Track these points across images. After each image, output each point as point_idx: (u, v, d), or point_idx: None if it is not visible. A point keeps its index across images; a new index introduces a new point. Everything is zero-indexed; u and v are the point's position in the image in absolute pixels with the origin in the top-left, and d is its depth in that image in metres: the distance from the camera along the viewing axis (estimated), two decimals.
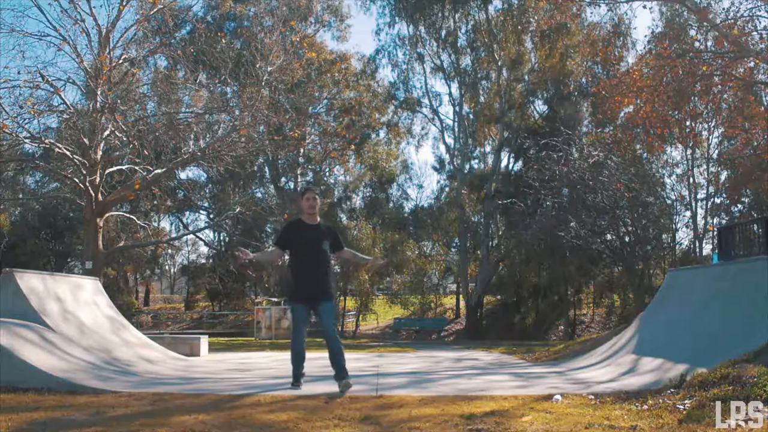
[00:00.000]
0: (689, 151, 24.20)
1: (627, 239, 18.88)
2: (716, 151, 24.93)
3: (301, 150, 27.22)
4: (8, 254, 25.64)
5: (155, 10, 15.22)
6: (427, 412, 4.46)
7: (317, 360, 10.45)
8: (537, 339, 24.13)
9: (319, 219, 5.53)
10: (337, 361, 5.38)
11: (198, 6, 26.37)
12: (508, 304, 30.86)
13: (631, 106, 16.17)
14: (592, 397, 5.10)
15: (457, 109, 29.69)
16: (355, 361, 10.08)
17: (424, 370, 8.28)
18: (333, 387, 5.42)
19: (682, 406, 4.31)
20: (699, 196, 25.37)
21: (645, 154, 22.66)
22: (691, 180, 24.65)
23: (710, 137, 24.61)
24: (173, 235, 32.18)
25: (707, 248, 25.67)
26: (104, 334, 8.11)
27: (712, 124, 23.20)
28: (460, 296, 32.45)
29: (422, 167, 74.60)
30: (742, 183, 20.90)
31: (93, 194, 14.37)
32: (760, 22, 13.59)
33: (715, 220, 25.97)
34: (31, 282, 7.54)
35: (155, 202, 20.88)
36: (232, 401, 4.95)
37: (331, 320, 5.55)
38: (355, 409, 4.60)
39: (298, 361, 5.64)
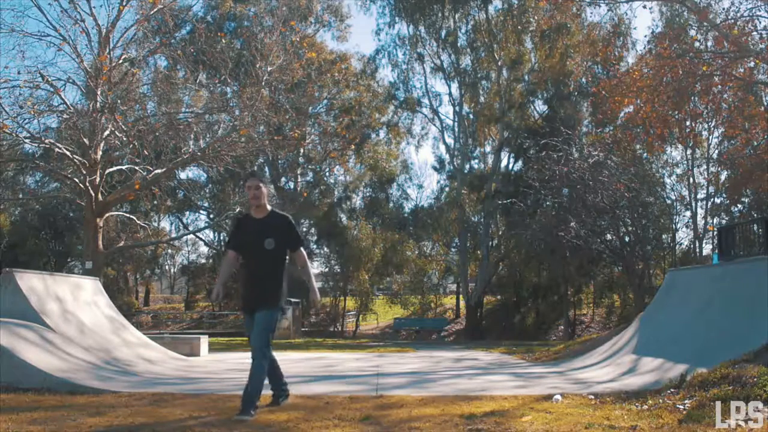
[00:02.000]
0: (689, 151, 24.20)
1: (627, 239, 18.88)
2: (716, 151, 24.92)
3: (301, 150, 27.24)
4: (8, 254, 25.64)
5: (155, 10, 15.22)
6: (427, 412, 4.46)
7: (316, 360, 10.46)
8: (537, 339, 24.12)
9: (269, 210, 4.69)
10: (247, 391, 4.37)
11: (198, 6, 26.38)
12: (508, 304, 30.84)
13: (631, 106, 16.16)
14: (592, 397, 5.11)
15: (457, 109, 29.71)
16: (355, 361, 10.10)
17: (424, 370, 8.28)
18: (333, 387, 5.41)
19: (682, 406, 4.31)
20: (699, 196, 25.39)
21: (645, 154, 22.65)
22: (691, 180, 24.65)
23: (710, 137, 24.61)
24: (173, 235, 32.20)
25: (707, 248, 25.69)
26: (104, 334, 8.11)
27: (712, 124, 23.18)
28: (460, 296, 32.43)
29: (422, 167, 74.57)
30: (742, 183, 20.88)
31: (93, 194, 14.37)
32: (760, 22, 13.59)
33: (715, 220, 25.99)
34: (31, 282, 7.54)
35: (155, 202, 20.87)
36: (232, 401, 4.95)
37: (259, 335, 4.46)
38: (355, 409, 4.60)
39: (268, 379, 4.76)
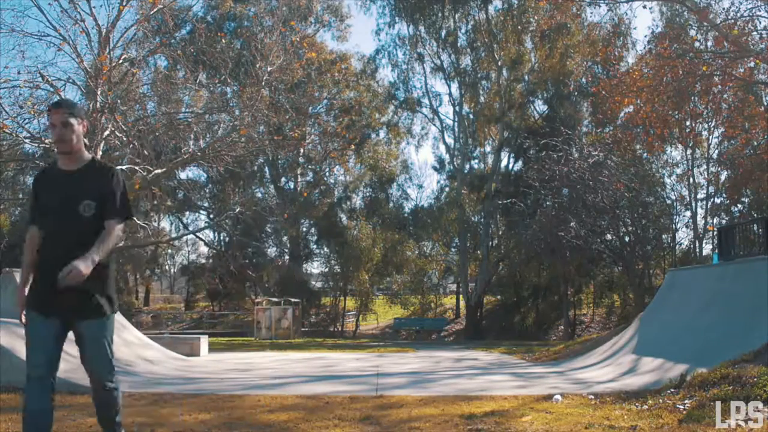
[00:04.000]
0: (689, 151, 24.19)
1: (627, 239, 18.87)
2: (716, 151, 24.91)
3: (301, 150, 27.23)
4: (8, 254, 25.61)
5: (155, 10, 15.21)
6: (427, 412, 4.46)
7: (316, 360, 10.46)
8: (537, 339, 24.12)
9: (88, 159, 3.06)
10: (106, 419, 3.14)
11: (198, 6, 26.34)
12: (508, 304, 30.83)
13: (631, 106, 16.16)
14: (592, 397, 5.11)
15: (457, 109, 29.71)
16: (355, 361, 10.10)
17: (424, 370, 8.29)
18: (333, 387, 5.41)
19: (682, 406, 4.31)
20: (699, 196, 25.37)
21: (645, 154, 22.66)
22: (691, 180, 24.64)
23: (710, 137, 24.59)
24: (173, 235, 32.17)
25: (707, 248, 25.67)
26: None
27: (712, 124, 23.17)
28: (460, 296, 32.44)
29: (422, 167, 74.52)
30: (742, 183, 20.88)
31: None
32: (760, 22, 13.59)
33: (715, 220, 25.97)
34: None
35: (155, 202, 20.85)
36: (232, 401, 4.95)
37: (104, 354, 2.99)
38: (355, 409, 4.60)
39: None
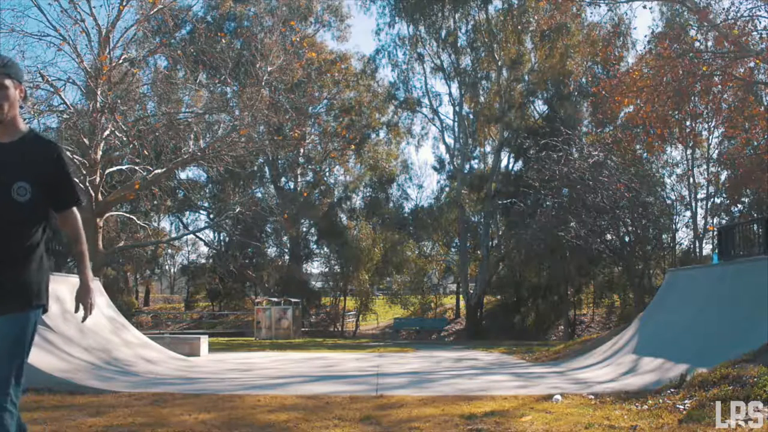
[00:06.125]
0: (689, 151, 24.20)
1: (627, 239, 18.88)
2: (716, 151, 24.93)
3: (301, 150, 27.25)
4: None
5: (155, 10, 15.23)
6: (427, 412, 4.46)
7: (316, 360, 10.46)
8: (537, 339, 24.11)
9: (25, 131, 2.53)
10: None
11: (198, 6, 26.36)
12: (508, 304, 30.82)
13: (631, 106, 16.17)
14: (592, 397, 5.11)
15: (457, 109, 29.70)
16: (355, 361, 10.10)
17: (424, 370, 8.29)
18: (333, 387, 5.41)
19: (682, 406, 4.31)
20: (699, 196, 25.39)
21: (645, 154, 22.66)
22: (691, 180, 24.66)
23: (710, 137, 24.61)
24: (173, 235, 32.19)
25: (707, 248, 25.69)
26: (104, 334, 8.12)
27: (712, 124, 23.19)
28: (460, 296, 32.44)
29: (422, 167, 74.38)
30: (742, 183, 20.89)
31: (93, 194, 14.38)
32: (760, 22, 13.60)
33: (715, 220, 25.98)
34: None
35: (155, 202, 20.89)
36: (232, 401, 4.95)
37: (2, 358, 2.40)
38: (355, 409, 4.60)
39: None
